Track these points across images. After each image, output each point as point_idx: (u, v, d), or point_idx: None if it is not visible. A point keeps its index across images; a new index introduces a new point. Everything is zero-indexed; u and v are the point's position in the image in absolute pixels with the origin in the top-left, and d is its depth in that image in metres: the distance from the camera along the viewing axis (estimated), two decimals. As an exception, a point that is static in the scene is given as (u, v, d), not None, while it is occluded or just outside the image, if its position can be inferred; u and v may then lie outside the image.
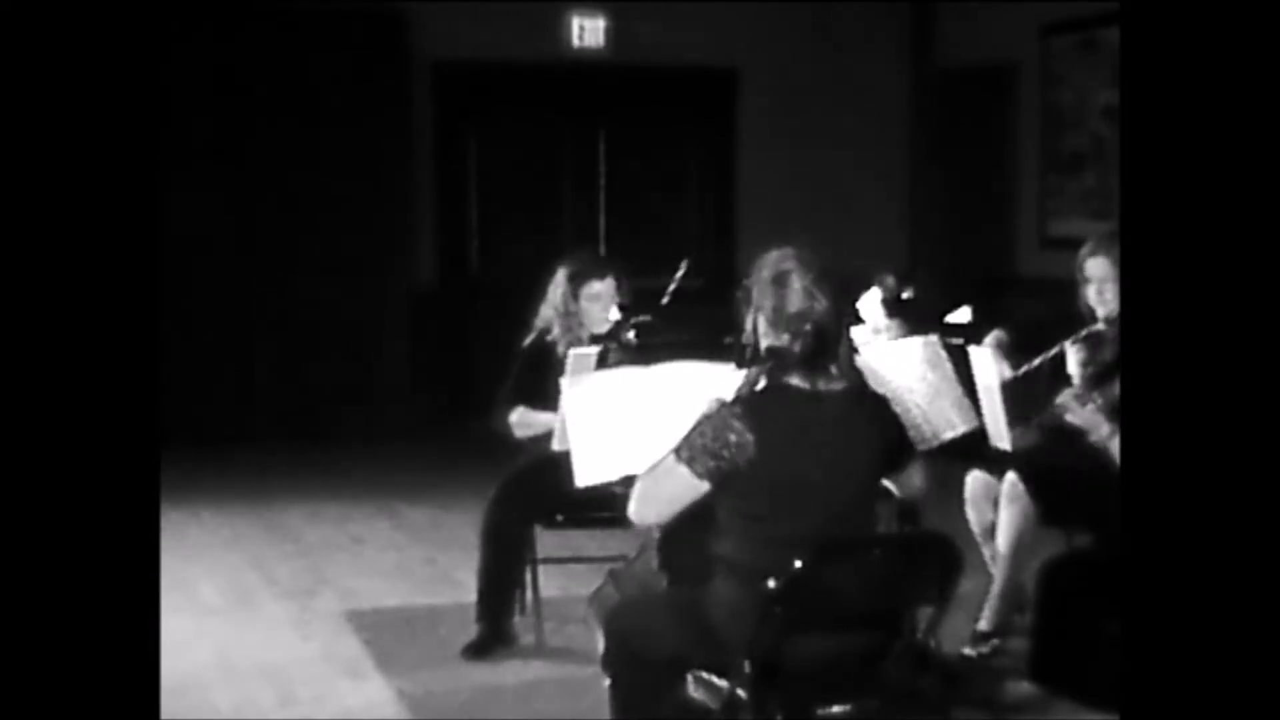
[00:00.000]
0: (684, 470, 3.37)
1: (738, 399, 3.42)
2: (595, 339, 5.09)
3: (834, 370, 3.45)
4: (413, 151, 9.58)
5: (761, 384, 3.45)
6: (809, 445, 3.38)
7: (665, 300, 5.67)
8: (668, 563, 3.73)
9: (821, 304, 3.40)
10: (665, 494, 3.44)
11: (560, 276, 5.22)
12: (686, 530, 3.64)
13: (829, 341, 3.43)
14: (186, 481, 7.70)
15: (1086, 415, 4.63)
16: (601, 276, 5.18)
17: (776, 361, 3.41)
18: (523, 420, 5.11)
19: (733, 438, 3.32)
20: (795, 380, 3.42)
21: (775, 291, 3.43)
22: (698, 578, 3.52)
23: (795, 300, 3.40)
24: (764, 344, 3.44)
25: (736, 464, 3.33)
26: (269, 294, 9.36)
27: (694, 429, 3.40)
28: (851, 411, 3.47)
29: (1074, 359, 4.79)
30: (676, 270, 5.42)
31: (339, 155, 9.38)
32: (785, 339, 3.40)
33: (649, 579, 3.82)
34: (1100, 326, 4.79)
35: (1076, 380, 4.76)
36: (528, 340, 5.25)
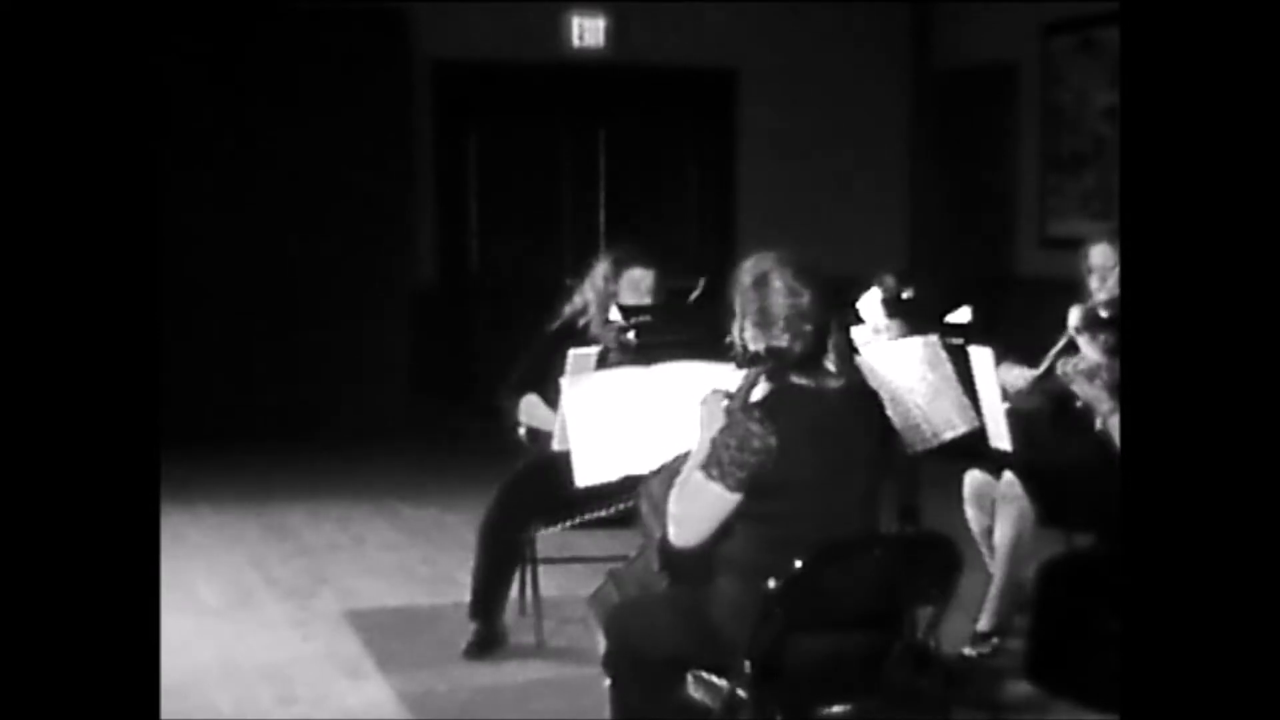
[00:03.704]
0: (716, 487, 3.35)
1: (754, 403, 3.41)
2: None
3: (829, 366, 3.45)
4: (413, 151, 9.58)
5: (764, 385, 3.44)
6: (818, 443, 3.38)
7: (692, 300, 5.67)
8: (668, 563, 3.72)
9: (805, 298, 3.40)
10: (701, 513, 3.41)
11: (604, 260, 5.33)
12: None
13: (823, 337, 3.44)
14: (186, 481, 7.70)
15: (1091, 391, 4.66)
16: (645, 265, 5.28)
17: (777, 361, 3.41)
18: (530, 410, 5.13)
19: (756, 444, 3.31)
20: (798, 379, 3.43)
21: (758, 294, 3.43)
22: (698, 579, 3.52)
23: (779, 299, 3.40)
24: (754, 347, 3.43)
25: (764, 468, 3.32)
26: (269, 293, 9.36)
27: (717, 443, 3.37)
28: (851, 408, 3.49)
29: (1086, 345, 4.85)
30: (692, 284, 5.44)
31: (339, 154, 9.38)
32: (785, 339, 3.39)
33: (649, 579, 3.81)
34: (1102, 312, 4.84)
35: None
36: (555, 324, 5.28)
